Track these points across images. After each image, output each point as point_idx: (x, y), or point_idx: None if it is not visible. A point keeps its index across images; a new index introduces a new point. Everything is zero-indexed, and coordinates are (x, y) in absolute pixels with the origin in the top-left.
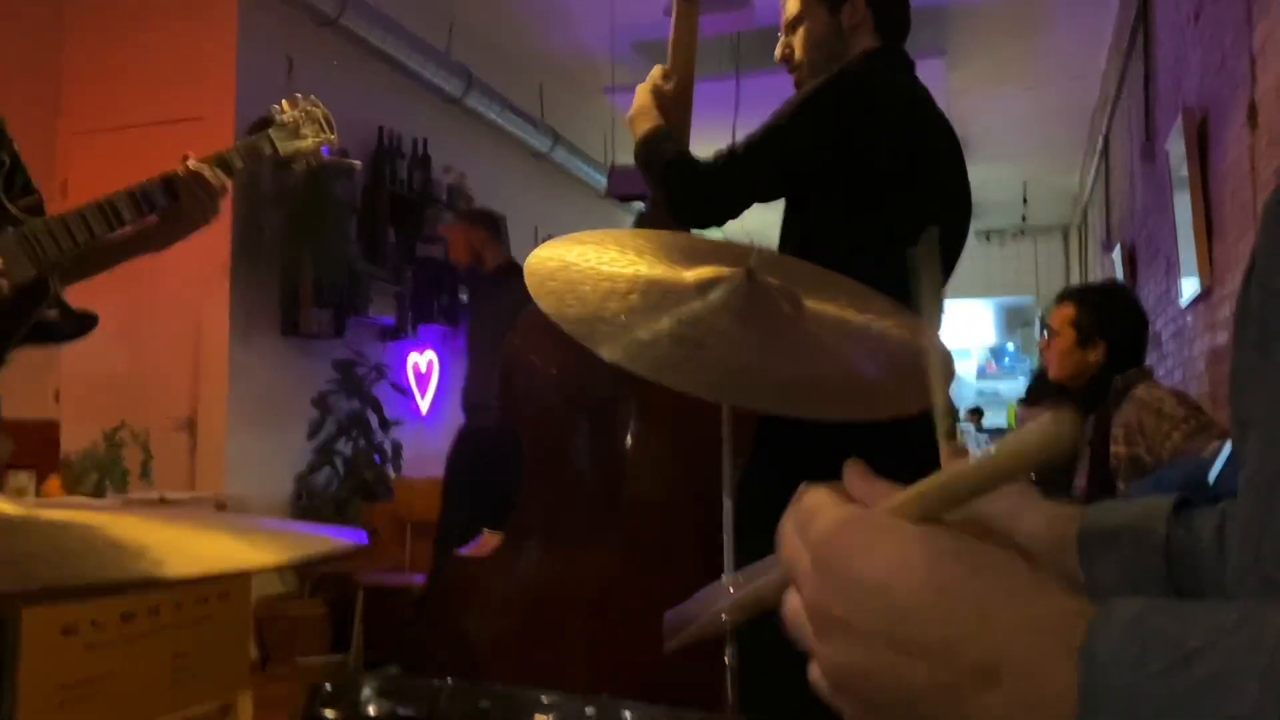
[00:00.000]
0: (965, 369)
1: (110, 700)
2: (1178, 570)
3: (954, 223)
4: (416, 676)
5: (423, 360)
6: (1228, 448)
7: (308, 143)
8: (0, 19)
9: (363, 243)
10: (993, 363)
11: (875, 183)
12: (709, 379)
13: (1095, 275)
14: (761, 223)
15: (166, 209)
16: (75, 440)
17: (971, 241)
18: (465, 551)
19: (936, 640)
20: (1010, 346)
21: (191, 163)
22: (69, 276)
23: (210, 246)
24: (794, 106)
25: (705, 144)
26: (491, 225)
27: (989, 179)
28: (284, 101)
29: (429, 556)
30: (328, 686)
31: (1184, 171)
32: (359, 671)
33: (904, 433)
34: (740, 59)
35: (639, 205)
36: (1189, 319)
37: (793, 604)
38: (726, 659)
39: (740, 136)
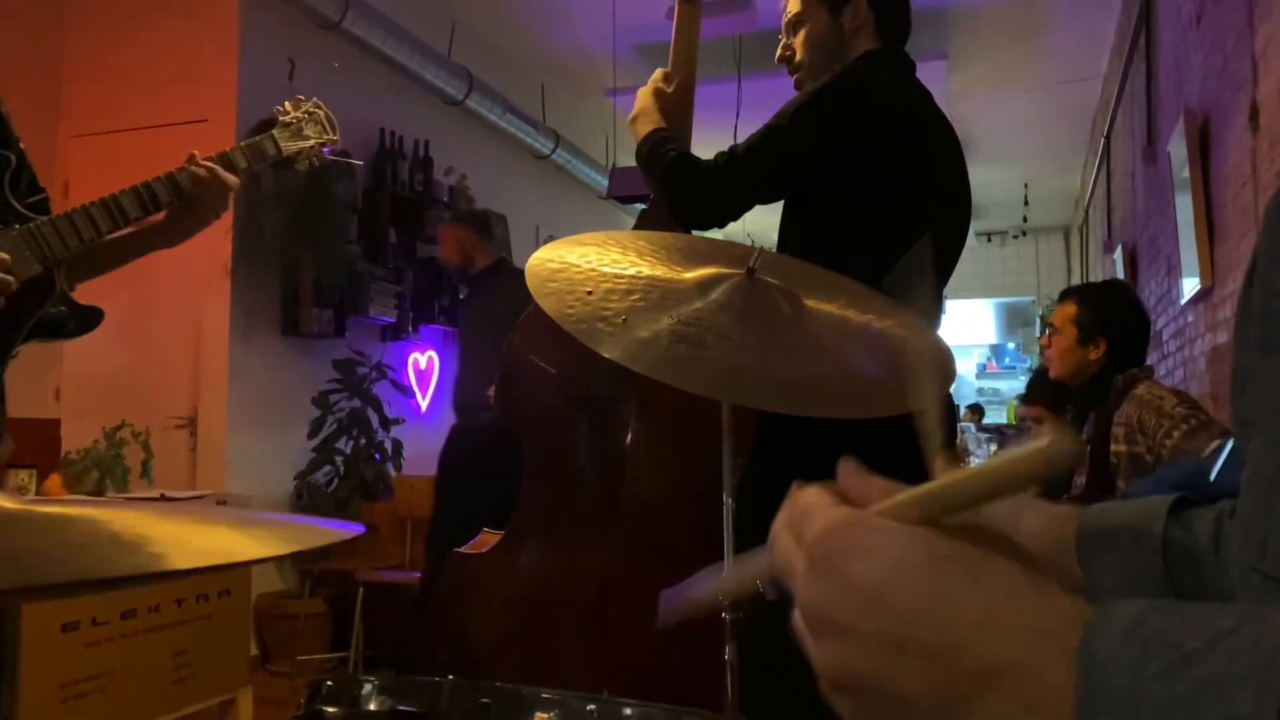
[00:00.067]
0: (965, 368)
1: (110, 697)
2: (1175, 570)
3: (954, 223)
4: (414, 675)
5: (423, 359)
6: (1229, 447)
7: (311, 143)
8: (0, 20)
9: (363, 243)
10: (993, 361)
11: (875, 183)
12: (709, 378)
13: (1096, 276)
14: (762, 223)
15: (172, 206)
16: (76, 439)
17: (972, 242)
18: (464, 549)
19: (935, 642)
20: (1011, 346)
21: (197, 160)
22: (78, 275)
23: (211, 246)
24: (795, 107)
25: (707, 145)
26: (481, 225)
27: (990, 180)
28: (287, 103)
29: (422, 555)
30: (328, 683)
31: (1185, 173)
32: (359, 669)
33: (904, 432)
34: (742, 61)
35: (640, 206)
36: (1190, 318)
37: (794, 615)
38: (726, 658)
39: (741, 138)
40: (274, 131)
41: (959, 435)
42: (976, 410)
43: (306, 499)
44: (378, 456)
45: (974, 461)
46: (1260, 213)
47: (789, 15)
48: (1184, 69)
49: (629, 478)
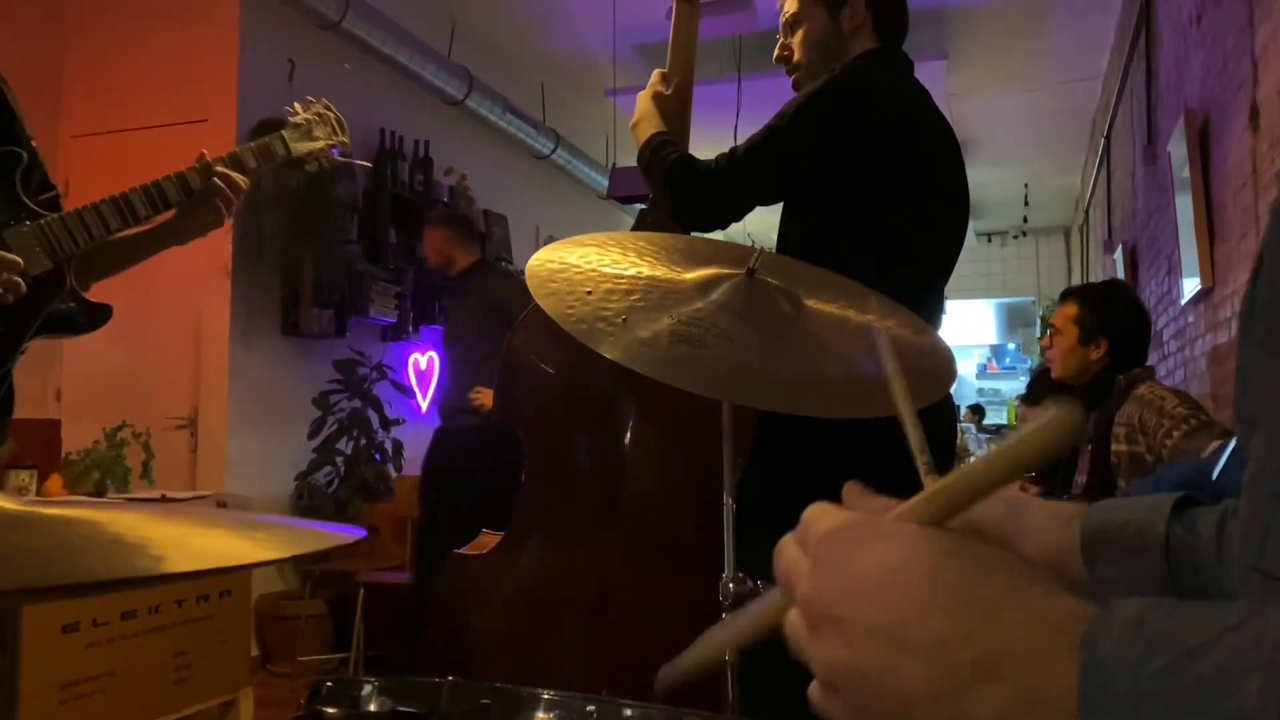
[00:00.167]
0: (966, 368)
1: (111, 698)
2: (1178, 569)
3: (953, 223)
4: (409, 676)
5: (424, 360)
6: (1230, 446)
7: (320, 144)
8: (0, 21)
9: (364, 243)
10: (994, 362)
11: (875, 183)
12: (709, 378)
13: (1096, 276)
14: (762, 224)
15: (181, 205)
16: (76, 439)
17: (972, 242)
18: (464, 551)
19: (936, 637)
20: (1011, 346)
21: (207, 160)
22: (88, 275)
23: (211, 246)
24: (794, 108)
25: (707, 145)
26: (461, 227)
27: (990, 180)
28: (296, 104)
29: (411, 558)
30: (329, 684)
31: (1186, 173)
32: (360, 670)
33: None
34: (742, 61)
35: (640, 206)
36: (1190, 319)
37: (791, 614)
38: (726, 658)
39: (742, 138)
40: (283, 132)
41: (959, 436)
42: (977, 411)
43: (307, 500)
44: (378, 457)
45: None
46: (1260, 212)
47: (786, 15)
48: (1184, 68)
49: (629, 478)
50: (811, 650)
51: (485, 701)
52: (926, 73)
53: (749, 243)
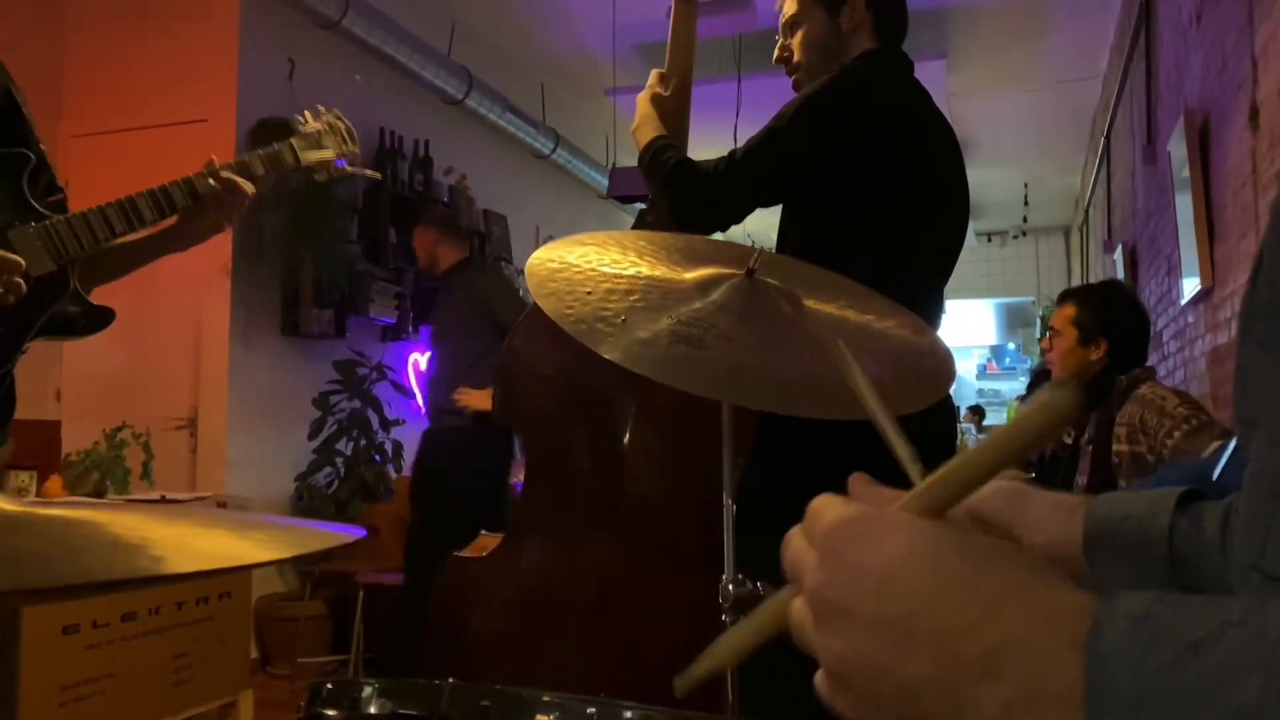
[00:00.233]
0: (966, 369)
1: (111, 700)
2: (1182, 564)
3: (953, 223)
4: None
5: (423, 360)
6: (1231, 446)
7: (329, 153)
8: (0, 21)
9: (364, 243)
10: (993, 362)
11: (874, 183)
12: (709, 378)
13: (1096, 276)
14: (762, 224)
15: (186, 210)
16: (76, 440)
17: (972, 242)
18: (463, 553)
19: (941, 629)
20: (1011, 346)
21: (215, 166)
22: (90, 279)
23: (211, 247)
24: (793, 109)
25: (707, 145)
26: (445, 225)
27: (990, 180)
28: (307, 112)
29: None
30: (329, 686)
31: (1185, 173)
32: (360, 671)
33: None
34: (742, 61)
35: (640, 206)
36: (1190, 319)
37: (795, 605)
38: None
39: (742, 137)
40: (292, 140)
41: (959, 436)
42: (977, 411)
43: (307, 500)
44: (378, 458)
45: None
46: (1260, 212)
47: (786, 16)
48: (1184, 68)
49: (629, 479)
50: (818, 641)
51: (485, 703)
52: (926, 73)
53: (749, 243)
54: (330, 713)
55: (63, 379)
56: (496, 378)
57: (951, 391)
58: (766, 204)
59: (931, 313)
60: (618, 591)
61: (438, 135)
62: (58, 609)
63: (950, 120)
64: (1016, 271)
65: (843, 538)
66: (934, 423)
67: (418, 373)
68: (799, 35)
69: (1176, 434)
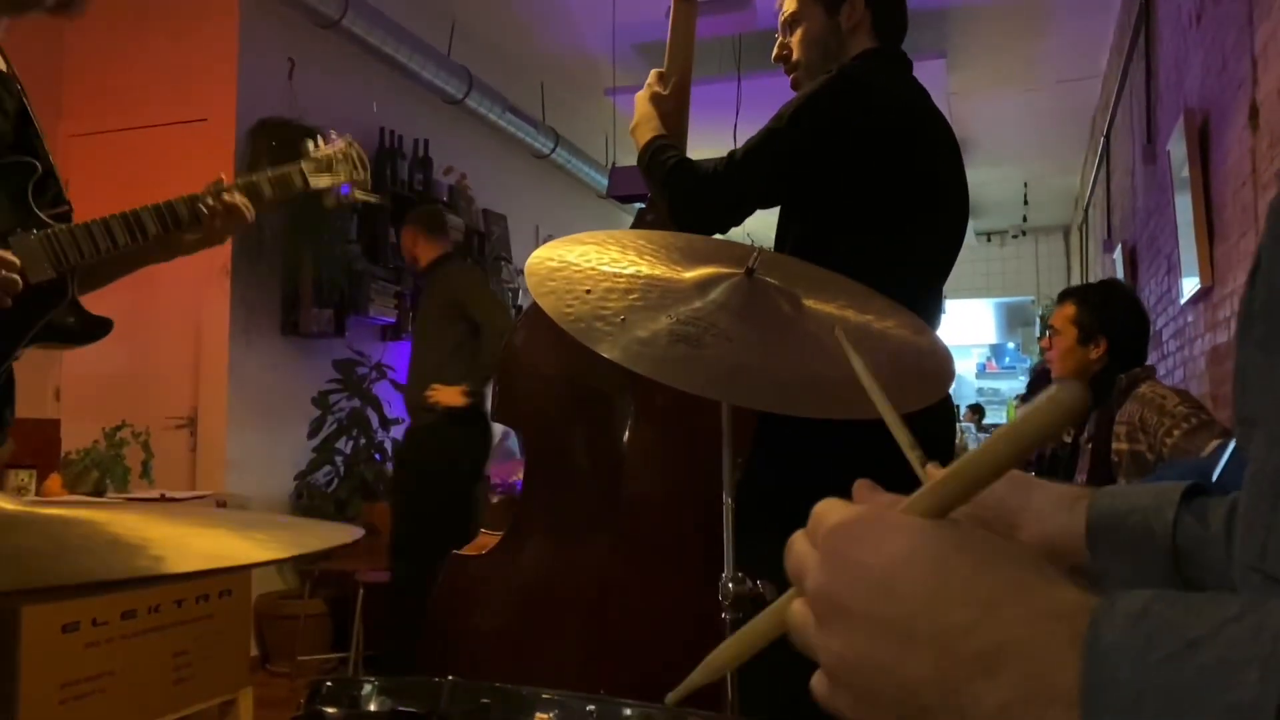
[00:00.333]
0: (965, 368)
1: (111, 698)
2: (1185, 558)
3: (952, 223)
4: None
5: None
6: (1231, 446)
7: (339, 179)
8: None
9: (363, 243)
10: (993, 361)
11: (873, 184)
12: (708, 378)
13: (1096, 276)
14: (762, 224)
15: (188, 227)
16: (76, 439)
17: (972, 241)
18: (463, 551)
19: (941, 629)
20: (1011, 346)
21: (223, 186)
22: (85, 285)
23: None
24: (792, 109)
25: (707, 144)
26: (426, 222)
27: (990, 180)
28: (320, 137)
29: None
30: (328, 684)
31: (1185, 173)
32: (359, 669)
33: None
34: (741, 60)
35: (640, 205)
36: (1189, 318)
37: (796, 604)
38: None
39: (741, 138)
40: (302, 164)
41: (959, 436)
42: (977, 410)
43: (306, 499)
44: (378, 457)
45: None
46: (1260, 211)
47: (785, 14)
48: (1184, 68)
49: (628, 478)
50: (818, 642)
51: (485, 701)
52: (926, 72)
53: (749, 242)
54: (330, 710)
55: (62, 378)
56: (495, 377)
57: (951, 391)
58: (766, 204)
59: (931, 313)
60: (617, 590)
61: (437, 135)
62: (58, 607)
63: (950, 120)
64: (1016, 271)
65: (844, 539)
66: (934, 422)
67: None
68: (798, 33)
69: (1176, 433)
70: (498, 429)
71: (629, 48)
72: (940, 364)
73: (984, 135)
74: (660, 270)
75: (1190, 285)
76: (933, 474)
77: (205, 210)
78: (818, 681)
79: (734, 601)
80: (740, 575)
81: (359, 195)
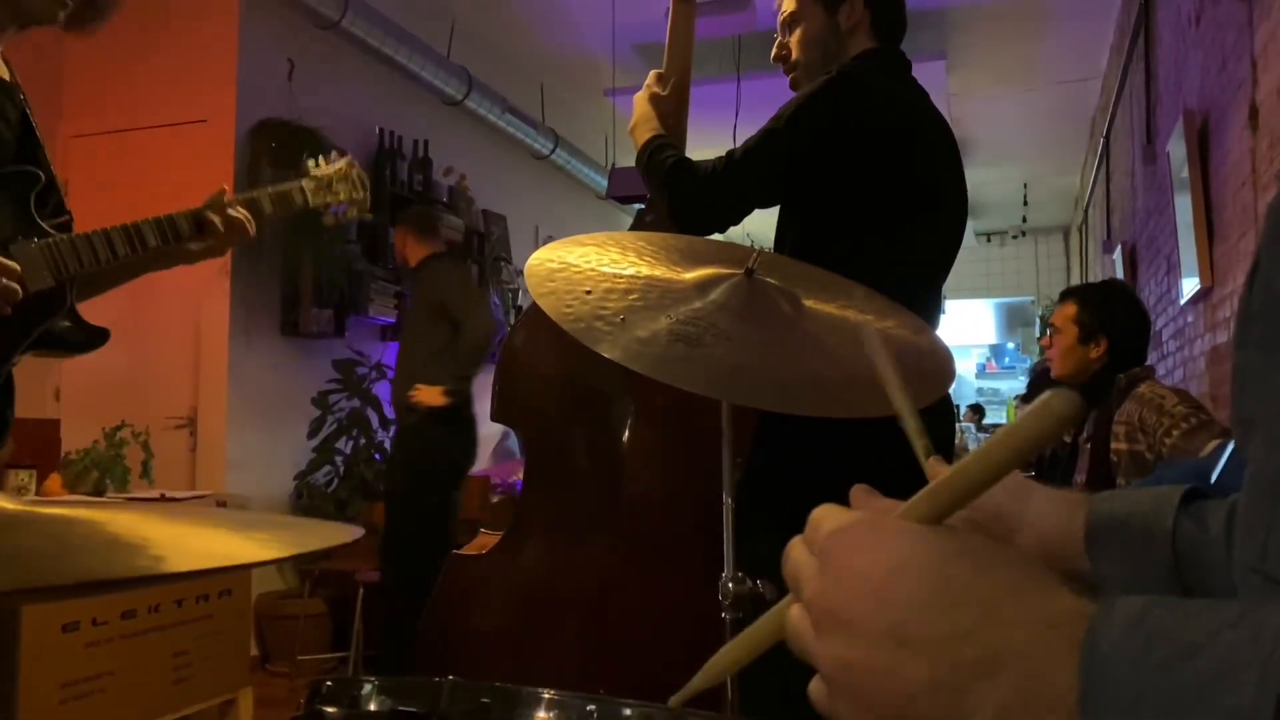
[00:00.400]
0: (965, 368)
1: (111, 697)
2: (1184, 561)
3: (952, 223)
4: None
5: None
6: (1230, 446)
7: (340, 198)
8: None
9: (363, 243)
10: (993, 361)
11: (872, 184)
12: (708, 378)
13: (1096, 276)
14: (762, 224)
15: (189, 239)
16: (76, 439)
17: (972, 242)
18: (463, 551)
19: (939, 634)
20: (1010, 346)
21: (225, 200)
22: (83, 293)
23: None
24: (791, 110)
25: (706, 145)
26: (415, 222)
27: (990, 180)
28: (321, 157)
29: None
30: (328, 684)
31: (1185, 173)
32: (359, 669)
33: (902, 431)
34: (741, 61)
35: (640, 206)
36: (1189, 318)
37: (794, 611)
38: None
39: (741, 138)
40: (303, 182)
41: (959, 436)
42: (977, 410)
43: (306, 499)
44: (378, 457)
45: None
46: (1260, 212)
47: (784, 13)
48: (1183, 68)
49: (628, 478)
50: (816, 648)
51: (485, 701)
52: (925, 73)
53: (748, 243)
54: (330, 710)
55: (62, 378)
56: (494, 376)
57: (951, 391)
58: (765, 204)
59: (931, 313)
60: (617, 590)
61: (437, 135)
62: (58, 607)
63: (950, 120)
64: (1016, 271)
65: (842, 545)
66: (933, 422)
67: None
68: (797, 33)
69: (1175, 433)
70: (497, 429)
71: (629, 48)
72: (940, 364)
73: (983, 136)
74: (660, 271)
75: (1190, 285)
76: (934, 467)
77: (207, 224)
78: (816, 688)
79: (734, 601)
80: (740, 575)
81: (354, 215)
